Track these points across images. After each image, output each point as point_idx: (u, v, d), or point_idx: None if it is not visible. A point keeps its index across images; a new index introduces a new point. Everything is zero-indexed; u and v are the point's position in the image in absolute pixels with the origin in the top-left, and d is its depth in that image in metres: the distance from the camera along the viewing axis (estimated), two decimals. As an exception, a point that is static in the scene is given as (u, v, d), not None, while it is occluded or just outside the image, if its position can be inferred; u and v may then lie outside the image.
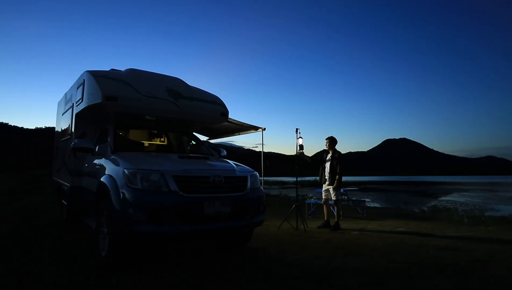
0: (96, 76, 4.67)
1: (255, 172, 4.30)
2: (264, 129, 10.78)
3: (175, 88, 5.09)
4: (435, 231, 6.29)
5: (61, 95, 7.34)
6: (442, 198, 21.46)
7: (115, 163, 3.68)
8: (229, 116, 6.09)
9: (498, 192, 29.50)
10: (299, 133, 6.58)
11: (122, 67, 5.65)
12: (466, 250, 4.53)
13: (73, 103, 5.75)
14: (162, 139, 6.17)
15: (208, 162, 4.32)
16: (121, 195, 3.25)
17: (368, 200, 17.62)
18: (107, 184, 3.47)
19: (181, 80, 5.48)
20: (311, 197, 13.90)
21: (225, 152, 5.48)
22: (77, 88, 5.49)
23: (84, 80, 5.06)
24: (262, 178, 10.63)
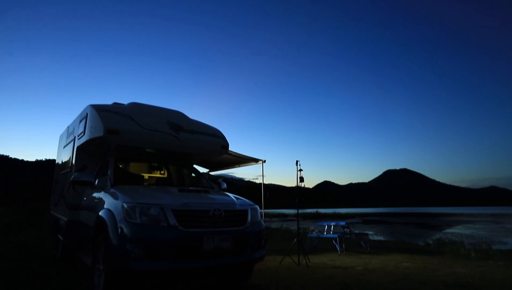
0: (99, 110, 4.75)
1: (256, 205, 4.24)
2: (264, 161, 10.79)
3: (176, 121, 5.16)
4: (441, 266, 6.09)
5: (63, 128, 7.42)
6: (447, 231, 20.99)
7: (114, 196, 3.64)
8: (229, 149, 6.11)
9: (504, 223, 28.90)
10: (299, 165, 6.57)
11: (124, 100, 5.75)
12: (476, 287, 4.36)
13: (75, 136, 5.80)
14: (162, 172, 6.15)
15: (208, 195, 4.28)
16: (119, 230, 3.18)
17: (371, 233, 17.24)
18: (105, 219, 3.41)
19: (182, 113, 5.57)
20: (313, 231, 13.61)
21: (225, 185, 5.45)
22: (80, 122, 5.56)
23: (87, 113, 5.14)
24: (262, 210, 10.47)
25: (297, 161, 6.58)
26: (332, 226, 9.57)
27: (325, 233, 9.50)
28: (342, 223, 9.48)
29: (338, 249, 7.92)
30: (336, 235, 8.38)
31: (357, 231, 10.88)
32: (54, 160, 8.21)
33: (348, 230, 9.58)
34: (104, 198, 3.88)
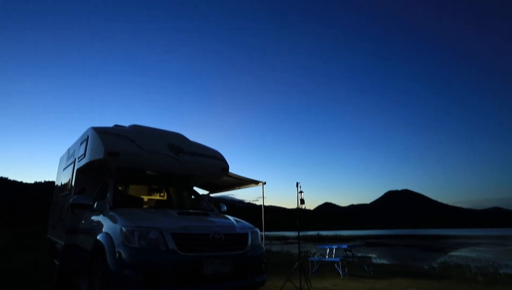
0: (100, 132, 4.78)
1: (256, 229, 4.18)
2: (265, 183, 10.73)
3: (176, 144, 5.18)
4: (447, 291, 5.92)
5: (62, 150, 7.44)
6: (452, 253, 20.57)
7: (113, 220, 3.60)
8: (230, 170, 6.10)
9: (509, 246, 28.35)
10: (300, 187, 6.52)
11: (126, 122, 5.80)
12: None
13: (75, 159, 5.80)
14: (162, 194, 6.10)
15: (208, 218, 4.23)
16: (117, 254, 3.12)
17: (373, 256, 16.88)
18: (103, 243, 3.35)
19: (183, 135, 5.60)
20: (314, 254, 13.34)
21: (225, 208, 5.39)
22: (81, 144, 5.58)
23: (88, 136, 5.16)
24: (263, 233, 10.30)
25: (297, 183, 6.54)
26: (334, 249, 9.38)
27: (326, 256, 9.30)
28: (344, 246, 9.30)
29: (341, 273, 7.73)
30: (338, 259, 8.20)
31: (359, 254, 10.66)
32: (53, 182, 8.17)
33: (350, 253, 9.38)
34: (102, 222, 3.83)
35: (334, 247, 9.37)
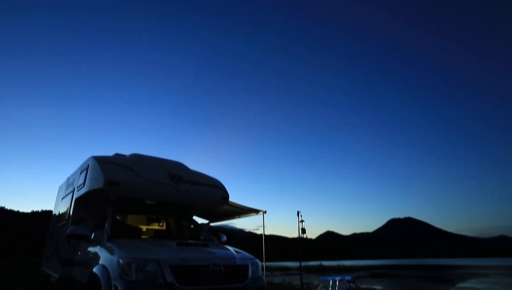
0: (100, 161, 4.79)
1: (256, 260, 4.08)
2: (265, 212, 10.58)
3: (176, 172, 5.18)
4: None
5: (61, 179, 7.40)
6: (461, 285, 19.88)
7: (110, 251, 3.52)
8: (230, 199, 6.04)
9: (518, 276, 27.45)
10: (301, 216, 6.44)
11: (125, 150, 5.82)
12: None
13: (74, 188, 5.77)
14: (161, 224, 6.01)
15: (207, 249, 4.14)
16: (113, 288, 3.03)
17: (379, 288, 16.32)
18: (99, 275, 3.26)
19: (183, 164, 5.60)
20: (317, 286, 12.91)
21: (225, 238, 5.30)
22: (80, 173, 5.57)
23: (88, 165, 5.17)
24: (263, 263, 10.03)
25: (298, 212, 6.47)
26: (337, 281, 9.09)
27: (329, 288, 9.00)
28: (348, 277, 9.03)
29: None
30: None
31: (364, 286, 10.31)
32: (50, 211, 8.07)
33: (354, 285, 9.09)
34: (99, 253, 3.75)
35: (337, 278, 9.09)
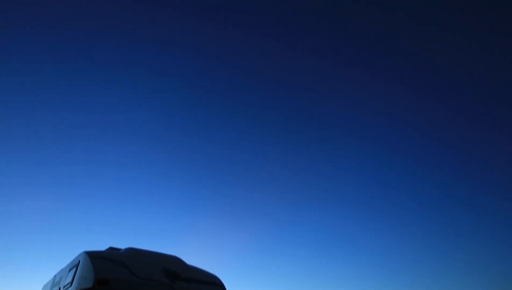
0: (93, 257, 4.56)
1: None
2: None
3: (172, 268, 4.94)
4: None
5: (48, 276, 6.89)
6: None
7: None
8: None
9: None
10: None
11: (120, 241, 5.62)
12: None
13: (60, 288, 5.35)
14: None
15: None
16: None
17: None
18: None
19: (179, 259, 5.37)
20: None
21: None
22: (70, 270, 5.23)
23: (79, 261, 4.89)
24: None
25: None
26: None
27: None
28: None
29: None
30: None
31: None
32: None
33: None
34: None
35: None
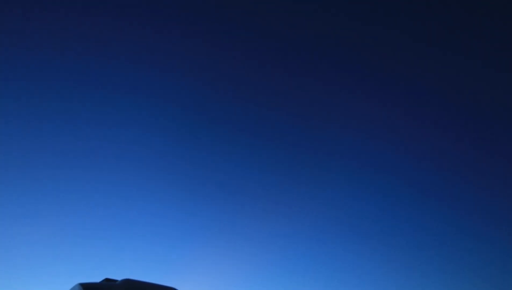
0: (88, 289, 4.47)
1: None
2: None
3: (168, 301, 4.80)
4: None
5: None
6: None
7: None
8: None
9: None
10: None
11: (116, 272, 5.55)
12: None
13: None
14: None
15: None
16: None
17: None
18: None
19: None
20: None
21: None
22: (62, 305, 5.11)
23: (72, 294, 4.79)
24: None
25: None
26: None
27: None
28: None
29: None
30: None
31: None
32: None
33: None
34: None
35: None
